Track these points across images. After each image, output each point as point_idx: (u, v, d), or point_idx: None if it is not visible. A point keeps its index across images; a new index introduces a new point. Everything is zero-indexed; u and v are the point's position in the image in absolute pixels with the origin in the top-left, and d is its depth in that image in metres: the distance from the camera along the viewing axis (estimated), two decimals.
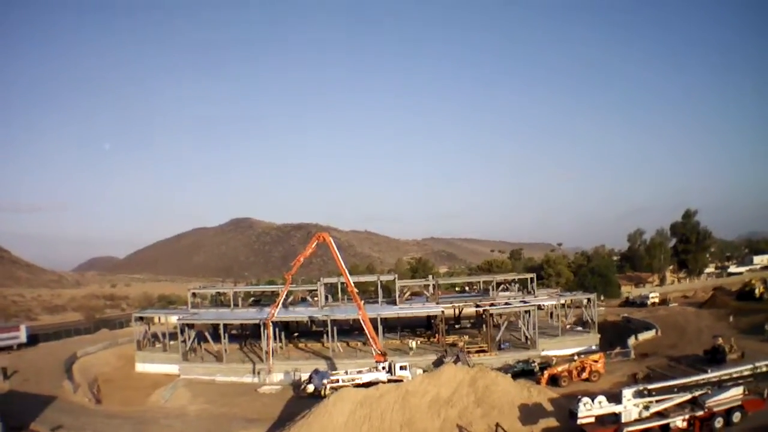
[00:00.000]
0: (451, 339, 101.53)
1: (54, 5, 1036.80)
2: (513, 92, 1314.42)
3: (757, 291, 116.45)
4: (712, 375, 51.85)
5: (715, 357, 75.05)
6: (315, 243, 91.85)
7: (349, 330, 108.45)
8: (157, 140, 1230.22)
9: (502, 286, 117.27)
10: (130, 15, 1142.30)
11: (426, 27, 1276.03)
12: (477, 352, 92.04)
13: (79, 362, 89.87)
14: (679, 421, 48.82)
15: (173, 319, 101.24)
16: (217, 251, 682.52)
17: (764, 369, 51.18)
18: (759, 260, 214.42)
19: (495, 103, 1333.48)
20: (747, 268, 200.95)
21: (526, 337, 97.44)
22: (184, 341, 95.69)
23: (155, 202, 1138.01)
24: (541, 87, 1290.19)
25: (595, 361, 75.48)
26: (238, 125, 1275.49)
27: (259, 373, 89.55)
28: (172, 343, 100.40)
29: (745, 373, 51.06)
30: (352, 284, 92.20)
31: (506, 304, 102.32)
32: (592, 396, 50.19)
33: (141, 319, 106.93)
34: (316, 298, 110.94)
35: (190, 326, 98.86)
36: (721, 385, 50.67)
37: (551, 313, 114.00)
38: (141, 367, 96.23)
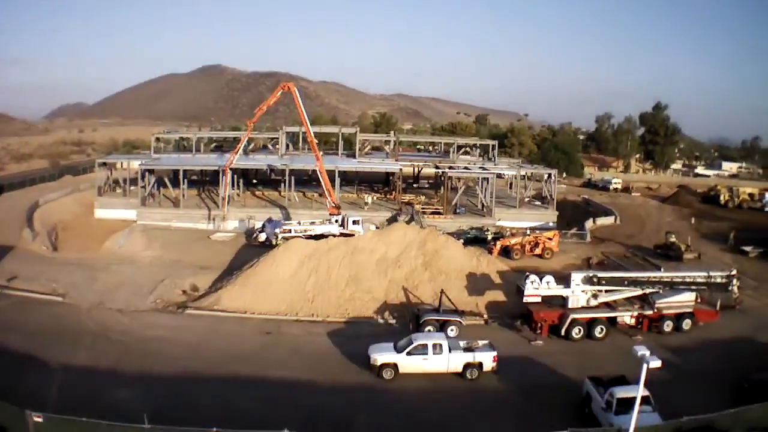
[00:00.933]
0: (407, 198, 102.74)
1: None
2: None
3: (722, 198, 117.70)
4: (666, 274, 50.25)
5: (667, 254, 76.13)
6: (279, 92, 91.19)
7: (308, 180, 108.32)
8: None
9: (463, 149, 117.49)
10: None
11: None
12: (432, 213, 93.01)
13: (40, 210, 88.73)
14: (627, 317, 49.10)
15: (136, 164, 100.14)
16: (186, 97, 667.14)
17: (719, 280, 50.60)
18: (728, 167, 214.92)
19: None
20: (715, 172, 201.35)
21: (483, 205, 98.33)
22: (144, 187, 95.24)
23: (127, 48, 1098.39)
24: None
25: (550, 239, 76.44)
26: None
27: (213, 219, 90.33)
28: (132, 188, 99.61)
29: (699, 280, 50.78)
30: (312, 135, 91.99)
31: (465, 168, 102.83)
32: (541, 275, 49.72)
33: (104, 164, 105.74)
34: (277, 146, 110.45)
35: (151, 171, 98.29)
36: (673, 287, 49.36)
37: (510, 184, 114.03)
38: (100, 213, 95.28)
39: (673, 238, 78.53)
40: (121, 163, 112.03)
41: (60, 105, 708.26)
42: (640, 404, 25.31)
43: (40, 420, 26.49)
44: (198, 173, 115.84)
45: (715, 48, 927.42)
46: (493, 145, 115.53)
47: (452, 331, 46.12)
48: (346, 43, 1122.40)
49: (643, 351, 23.96)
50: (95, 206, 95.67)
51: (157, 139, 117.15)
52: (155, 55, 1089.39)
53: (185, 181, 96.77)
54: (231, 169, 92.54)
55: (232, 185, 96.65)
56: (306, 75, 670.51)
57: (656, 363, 23.25)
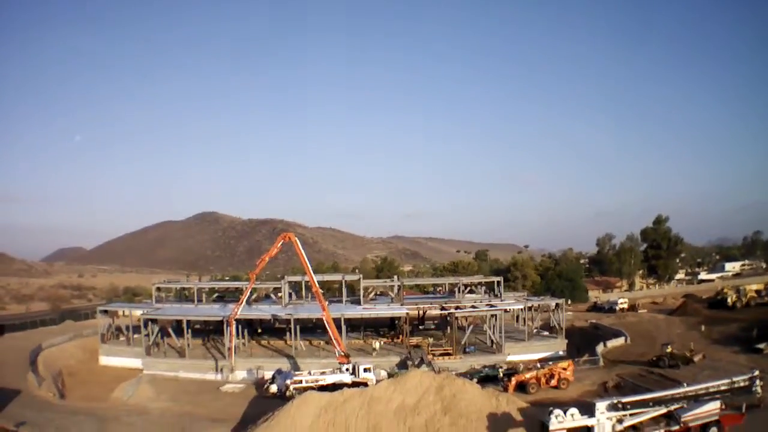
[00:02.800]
0: (415, 340, 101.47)
1: None
2: (480, 93, 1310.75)
3: (729, 300, 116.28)
4: (690, 388, 51.03)
5: (657, 365, 77.74)
6: (281, 243, 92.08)
7: (313, 328, 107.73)
8: (126, 134, 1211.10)
9: (468, 288, 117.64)
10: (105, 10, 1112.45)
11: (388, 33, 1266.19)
12: (441, 355, 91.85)
13: (44, 354, 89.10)
14: None
15: (137, 313, 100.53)
16: (184, 245, 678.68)
17: (742, 383, 51.03)
18: (731, 267, 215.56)
19: (462, 104, 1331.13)
20: (718, 275, 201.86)
21: (492, 341, 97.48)
22: (148, 335, 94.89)
23: (123, 194, 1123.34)
24: (508, 87, 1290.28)
25: (564, 369, 75.67)
26: (205, 122, 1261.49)
27: (221, 370, 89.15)
28: (136, 336, 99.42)
29: (723, 388, 50.87)
30: (317, 284, 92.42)
31: (472, 307, 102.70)
32: (564, 407, 49.70)
33: (105, 312, 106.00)
34: (280, 296, 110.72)
35: (154, 321, 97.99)
36: (697, 399, 49.96)
37: (517, 317, 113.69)
38: (105, 361, 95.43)
39: (669, 349, 79.38)
40: (122, 311, 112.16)
41: (59, 248, 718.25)
42: None
43: None
44: (201, 323, 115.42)
45: (707, 150, 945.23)
46: (499, 281, 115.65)
47: None
48: (339, 188, 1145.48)
49: None
50: (100, 353, 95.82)
51: (158, 289, 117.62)
52: (151, 202, 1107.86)
53: (189, 330, 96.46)
54: (235, 319, 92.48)
55: (237, 335, 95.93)
56: (301, 221, 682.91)
57: None
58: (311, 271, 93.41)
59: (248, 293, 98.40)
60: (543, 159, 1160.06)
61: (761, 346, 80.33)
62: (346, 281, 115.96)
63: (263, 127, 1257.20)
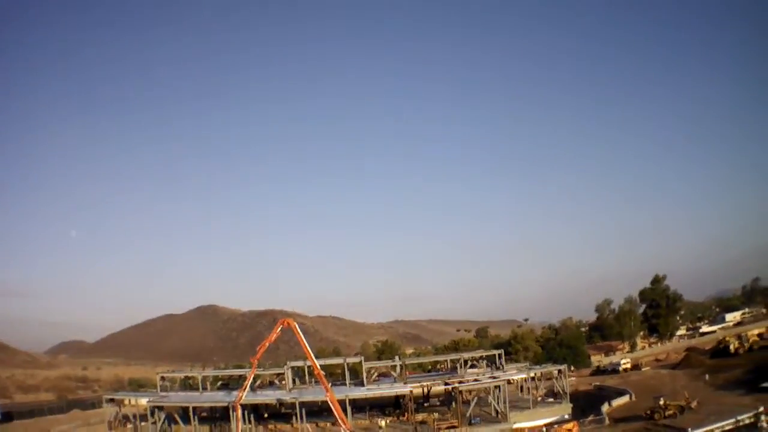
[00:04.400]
0: (420, 417, 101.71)
1: None
2: (468, 172, 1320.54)
3: (731, 347, 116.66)
4: None
5: (652, 418, 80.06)
6: (279, 328, 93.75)
7: (318, 411, 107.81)
8: (122, 227, 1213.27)
9: (469, 363, 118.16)
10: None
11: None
12: (447, 428, 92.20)
13: None
14: None
15: (143, 401, 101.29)
16: (186, 337, 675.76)
17: (747, 421, 52.25)
18: (731, 317, 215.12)
19: (450, 185, 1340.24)
20: (720, 326, 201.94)
21: (497, 411, 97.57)
22: (155, 423, 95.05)
23: (123, 288, 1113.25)
24: (494, 164, 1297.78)
25: (569, 430, 76.54)
26: (201, 214, 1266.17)
27: None
28: (143, 424, 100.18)
29: (727, 428, 52.01)
30: (318, 366, 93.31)
31: (475, 380, 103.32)
32: None
33: (112, 400, 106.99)
34: (283, 382, 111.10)
35: (160, 408, 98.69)
36: None
37: (521, 387, 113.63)
38: None
39: (661, 401, 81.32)
40: (129, 400, 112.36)
41: (61, 341, 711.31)
42: None
43: None
44: (207, 410, 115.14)
45: (695, 206, 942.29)
46: (500, 354, 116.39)
47: None
48: (338, 276, 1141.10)
49: None
50: None
51: (163, 378, 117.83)
52: (152, 296, 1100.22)
53: (195, 417, 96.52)
54: (241, 405, 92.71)
55: (244, 420, 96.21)
56: (301, 311, 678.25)
57: None
58: (311, 354, 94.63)
59: (251, 378, 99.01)
60: (536, 232, 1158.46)
61: (766, 384, 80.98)
62: (348, 364, 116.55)
63: (260, 217, 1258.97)
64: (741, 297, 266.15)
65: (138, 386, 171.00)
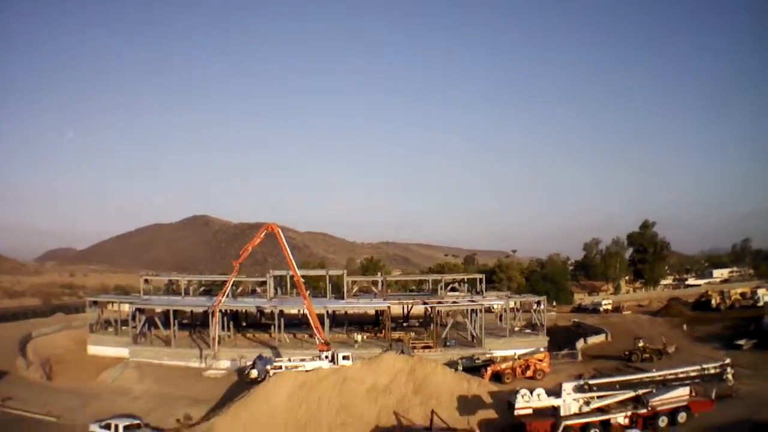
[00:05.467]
0: (397, 335, 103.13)
1: None
2: (469, 101, 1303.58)
3: (713, 301, 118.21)
4: (657, 373, 52.38)
5: (630, 359, 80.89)
6: (264, 233, 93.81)
7: (298, 323, 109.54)
8: (120, 133, 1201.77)
9: (450, 285, 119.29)
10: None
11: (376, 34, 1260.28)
12: (422, 348, 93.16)
13: (33, 342, 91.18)
14: (620, 418, 49.80)
15: (126, 307, 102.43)
16: (174, 247, 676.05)
17: (712, 371, 52.49)
18: (719, 273, 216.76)
19: (453, 112, 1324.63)
20: (706, 280, 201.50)
21: (473, 336, 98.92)
22: (135, 326, 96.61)
23: (113, 197, 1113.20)
24: (496, 96, 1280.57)
25: (540, 360, 77.60)
26: (199, 124, 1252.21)
27: (205, 358, 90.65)
28: (124, 328, 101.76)
29: (692, 374, 52.47)
30: (299, 275, 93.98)
31: (454, 302, 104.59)
32: (531, 389, 51.01)
33: (95, 303, 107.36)
34: (265, 290, 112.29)
35: (141, 311, 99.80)
36: (666, 385, 51.27)
37: (500, 316, 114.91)
38: (92, 350, 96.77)
39: (641, 343, 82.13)
40: (112, 303, 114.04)
41: (49, 249, 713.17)
42: None
43: None
44: (188, 316, 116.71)
45: (699, 160, 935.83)
46: (481, 279, 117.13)
47: None
48: (331, 194, 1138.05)
49: None
50: (88, 342, 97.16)
51: (146, 281, 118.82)
52: (141, 204, 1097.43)
53: (176, 321, 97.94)
54: (220, 310, 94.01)
55: (222, 327, 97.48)
56: (293, 226, 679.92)
57: None
58: (293, 261, 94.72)
59: (231, 282, 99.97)
60: (535, 165, 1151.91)
61: (741, 342, 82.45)
62: (330, 277, 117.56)
63: (257, 132, 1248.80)
64: (731, 255, 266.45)
65: (123, 292, 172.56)
